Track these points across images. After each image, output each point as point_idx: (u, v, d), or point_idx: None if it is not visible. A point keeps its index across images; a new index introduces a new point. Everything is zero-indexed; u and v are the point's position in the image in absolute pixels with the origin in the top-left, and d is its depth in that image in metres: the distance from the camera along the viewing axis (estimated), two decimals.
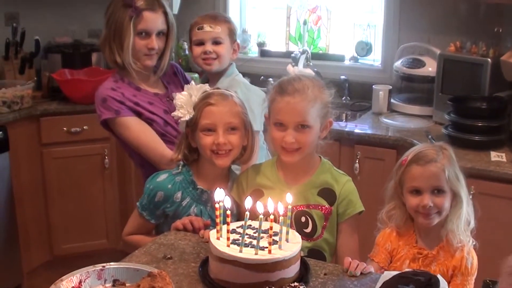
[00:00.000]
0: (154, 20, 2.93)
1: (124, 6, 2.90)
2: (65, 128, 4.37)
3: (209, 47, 2.99)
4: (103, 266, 1.95)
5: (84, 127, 4.40)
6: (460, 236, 2.26)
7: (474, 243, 2.30)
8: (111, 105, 2.86)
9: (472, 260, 2.26)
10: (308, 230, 2.38)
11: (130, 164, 4.53)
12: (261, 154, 2.82)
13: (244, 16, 5.16)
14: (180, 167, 2.55)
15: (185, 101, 2.48)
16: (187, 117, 2.48)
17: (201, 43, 3.01)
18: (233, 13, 5.05)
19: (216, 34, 2.99)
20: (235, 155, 2.49)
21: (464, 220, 2.28)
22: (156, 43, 2.94)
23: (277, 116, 2.33)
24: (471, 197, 3.10)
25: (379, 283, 1.90)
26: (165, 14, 2.98)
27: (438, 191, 2.26)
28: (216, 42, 3.00)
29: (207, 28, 2.98)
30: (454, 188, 2.27)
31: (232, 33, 3.06)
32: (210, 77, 3.09)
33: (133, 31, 2.90)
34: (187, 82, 3.16)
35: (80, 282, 1.89)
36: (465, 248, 2.26)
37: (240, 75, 3.11)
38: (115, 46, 2.94)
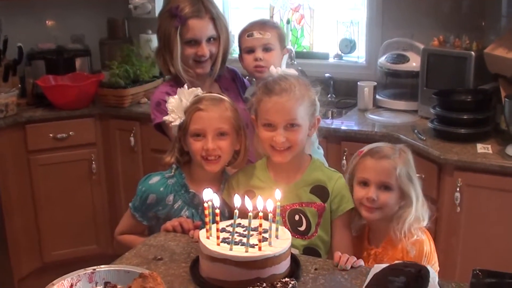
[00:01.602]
0: (201, 28, 2.94)
1: (170, 17, 2.92)
2: (51, 135, 4.36)
3: (259, 53, 2.93)
4: (94, 269, 1.94)
5: (70, 133, 4.39)
6: (404, 230, 2.28)
7: (422, 237, 2.33)
8: (165, 109, 2.84)
9: (416, 251, 2.27)
10: (302, 228, 2.38)
11: (117, 168, 4.54)
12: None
13: (227, 17, 5.14)
14: (173, 170, 2.55)
15: (175, 105, 2.48)
16: (177, 122, 2.48)
17: (251, 50, 2.95)
18: None
19: (266, 40, 2.93)
20: (225, 160, 2.49)
21: (412, 219, 2.30)
22: (206, 50, 2.96)
23: (265, 116, 2.33)
24: (457, 197, 3.16)
25: (369, 276, 1.91)
26: (213, 19, 2.97)
27: (385, 187, 2.31)
28: (267, 49, 2.94)
29: (256, 34, 2.93)
30: (403, 187, 2.31)
31: (282, 39, 3.02)
32: None
33: (181, 40, 2.93)
34: (246, 88, 3.17)
35: (71, 286, 1.89)
36: (410, 239, 2.28)
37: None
38: (167, 57, 2.98)
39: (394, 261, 2.22)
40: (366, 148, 2.41)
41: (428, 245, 2.32)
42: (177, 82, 2.96)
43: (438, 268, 2.35)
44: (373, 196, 2.29)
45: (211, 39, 2.98)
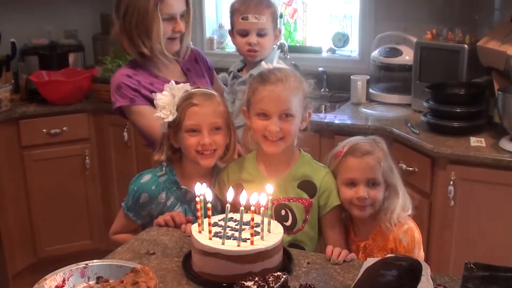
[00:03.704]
0: (178, 3, 2.84)
1: None
2: (44, 130, 4.36)
3: (253, 38, 2.91)
4: (86, 264, 1.94)
5: (64, 128, 4.39)
6: (394, 221, 2.29)
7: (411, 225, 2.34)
8: (126, 92, 2.81)
9: (408, 239, 2.28)
10: (288, 223, 2.37)
11: (111, 163, 4.54)
12: None
13: (220, 11, 5.14)
14: (163, 168, 2.53)
15: (167, 101, 2.44)
16: (170, 118, 2.44)
17: (245, 33, 2.93)
18: (209, 9, 5.04)
19: (261, 25, 2.91)
20: (219, 154, 2.48)
21: (399, 210, 2.30)
22: (182, 25, 2.86)
23: (260, 106, 2.31)
24: (451, 190, 3.15)
25: (362, 270, 1.91)
26: None
27: (373, 183, 2.30)
28: (261, 34, 2.92)
29: (252, 19, 2.90)
30: (389, 179, 2.32)
31: (275, 19, 2.98)
32: (248, 63, 3.03)
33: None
34: (210, 69, 3.12)
35: (63, 281, 1.88)
36: (402, 228, 2.29)
37: (281, 61, 2.90)
38: (138, 35, 2.82)
39: (386, 252, 2.24)
40: (344, 146, 2.38)
41: (417, 232, 2.33)
42: (138, 64, 2.91)
43: (423, 254, 2.37)
44: (364, 195, 2.27)
45: (183, 15, 2.89)
